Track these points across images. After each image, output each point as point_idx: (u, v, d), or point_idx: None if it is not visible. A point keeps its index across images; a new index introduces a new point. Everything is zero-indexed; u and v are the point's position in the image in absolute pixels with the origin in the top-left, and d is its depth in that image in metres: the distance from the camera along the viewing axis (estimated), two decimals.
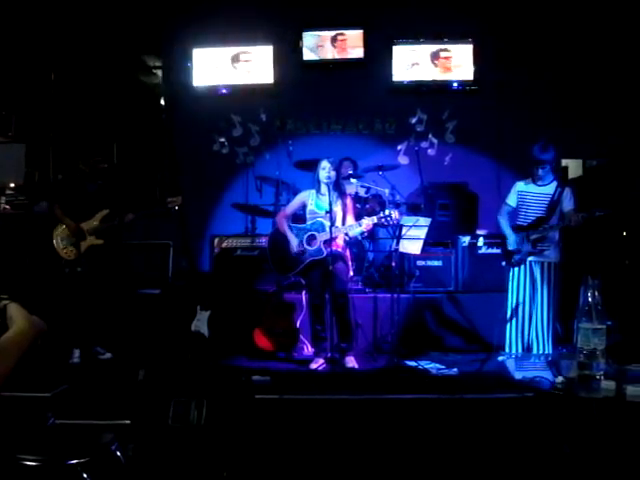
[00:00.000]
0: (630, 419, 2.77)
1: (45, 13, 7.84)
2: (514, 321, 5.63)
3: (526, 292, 5.60)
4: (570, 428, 3.07)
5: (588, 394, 2.75)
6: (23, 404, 4.33)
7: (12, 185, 7.84)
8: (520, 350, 5.57)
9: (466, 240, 6.72)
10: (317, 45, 8.05)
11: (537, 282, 5.57)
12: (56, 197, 5.96)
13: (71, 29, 7.96)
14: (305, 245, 5.61)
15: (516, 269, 5.64)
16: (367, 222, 5.44)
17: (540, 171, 5.50)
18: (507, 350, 5.63)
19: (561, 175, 5.83)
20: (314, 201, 5.69)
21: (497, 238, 6.60)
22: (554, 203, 5.48)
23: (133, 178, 8.42)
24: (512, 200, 5.74)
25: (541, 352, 5.47)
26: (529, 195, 5.63)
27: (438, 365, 5.59)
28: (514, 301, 5.64)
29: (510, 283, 5.67)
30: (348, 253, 5.82)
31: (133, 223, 5.94)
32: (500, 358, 5.54)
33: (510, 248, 5.65)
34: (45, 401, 4.49)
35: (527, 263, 5.59)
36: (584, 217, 5.17)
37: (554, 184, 5.56)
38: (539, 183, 5.58)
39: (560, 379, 2.88)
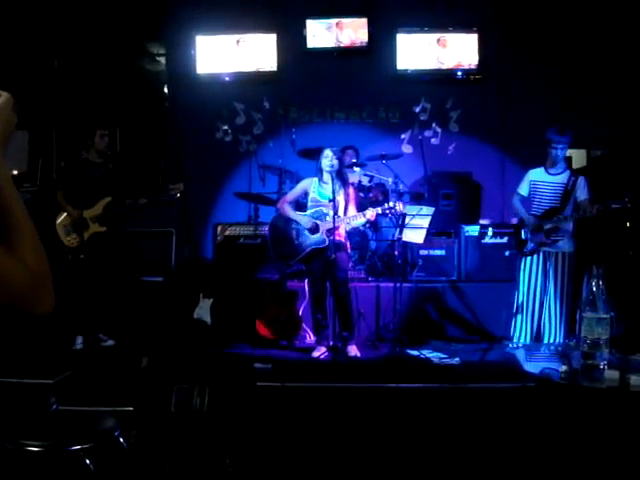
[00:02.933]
0: (634, 409, 2.77)
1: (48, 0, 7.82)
2: (523, 311, 5.60)
3: (538, 282, 5.56)
4: (573, 418, 3.07)
5: (591, 384, 2.75)
6: (26, 390, 4.35)
7: (15, 172, 7.83)
8: (528, 340, 5.55)
9: (475, 230, 6.69)
10: (322, 31, 8.00)
11: (550, 273, 5.51)
12: (60, 184, 5.96)
13: (74, 16, 7.93)
14: (308, 233, 5.60)
15: (528, 259, 5.59)
16: (371, 213, 5.45)
17: (558, 152, 5.43)
18: (515, 340, 5.62)
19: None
20: (317, 189, 5.68)
21: (504, 228, 6.60)
22: (568, 192, 5.43)
23: (136, 165, 8.41)
24: (524, 189, 5.70)
25: (552, 342, 5.44)
26: (542, 184, 5.58)
27: (440, 354, 5.60)
28: (524, 291, 5.61)
29: (521, 273, 5.63)
30: (348, 243, 5.82)
31: (140, 209, 5.94)
32: (503, 348, 5.54)
33: (523, 237, 5.59)
34: (48, 387, 4.50)
35: (540, 253, 5.55)
36: (599, 209, 5.10)
37: (567, 173, 5.52)
38: (552, 172, 5.54)
39: (563, 368, 2.88)
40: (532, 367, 3.50)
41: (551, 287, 5.50)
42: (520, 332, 5.60)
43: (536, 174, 5.66)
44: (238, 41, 8.06)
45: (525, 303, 5.60)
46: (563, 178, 5.50)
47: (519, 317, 5.62)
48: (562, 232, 5.46)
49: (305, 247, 5.60)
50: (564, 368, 2.89)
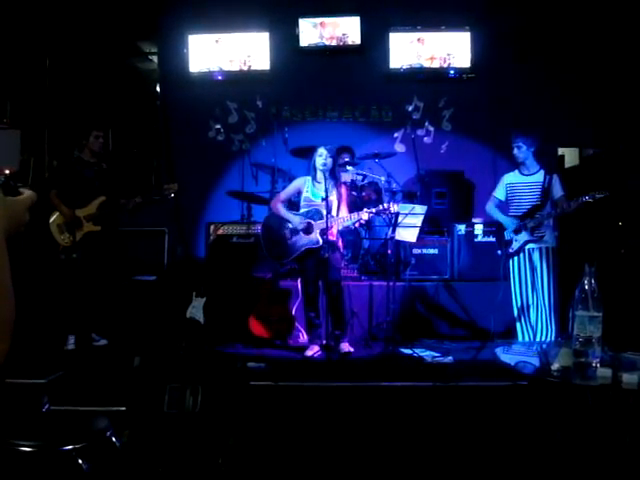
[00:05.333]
0: (626, 407, 2.78)
1: None
2: (523, 316, 5.66)
3: (527, 280, 5.67)
4: (565, 416, 3.08)
5: (584, 382, 2.75)
6: (18, 390, 4.33)
7: (7, 172, 7.79)
8: (531, 339, 5.61)
9: (462, 228, 6.71)
10: (315, 30, 7.99)
11: (537, 268, 5.64)
12: (53, 183, 5.94)
13: (66, 15, 7.91)
14: (302, 233, 5.60)
15: (516, 258, 5.69)
16: (364, 216, 5.48)
17: (516, 152, 5.68)
18: (519, 340, 5.67)
19: (545, 164, 5.88)
20: (310, 188, 5.67)
21: (494, 226, 6.62)
22: (546, 190, 5.59)
23: (129, 165, 8.39)
24: (500, 193, 5.86)
25: (545, 338, 5.51)
26: (519, 186, 5.75)
27: (433, 353, 5.60)
28: (518, 291, 5.69)
29: (512, 276, 5.74)
30: (341, 242, 5.82)
31: (135, 208, 5.92)
32: (495, 346, 5.55)
33: (507, 238, 5.69)
34: (40, 387, 4.49)
35: (526, 251, 5.64)
36: (582, 201, 5.22)
37: (541, 172, 5.70)
38: (526, 172, 5.74)
39: (556, 366, 2.89)
40: (525, 365, 3.51)
41: (538, 283, 5.60)
42: (523, 332, 5.66)
43: (511, 177, 5.85)
44: (231, 40, 8.06)
45: (523, 304, 5.66)
46: (539, 177, 5.69)
47: (520, 318, 5.68)
48: (544, 227, 5.62)
49: (299, 247, 5.59)
50: (556, 366, 2.89)
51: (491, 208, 5.90)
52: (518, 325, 5.71)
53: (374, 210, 5.44)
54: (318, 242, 5.49)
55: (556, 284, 5.58)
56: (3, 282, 1.37)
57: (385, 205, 5.42)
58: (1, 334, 1.35)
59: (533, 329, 5.63)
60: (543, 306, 5.58)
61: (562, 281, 5.57)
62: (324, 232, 5.42)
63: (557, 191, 5.59)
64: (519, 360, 3.75)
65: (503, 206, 5.87)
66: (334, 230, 5.61)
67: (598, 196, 5.15)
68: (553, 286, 5.58)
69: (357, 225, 6.26)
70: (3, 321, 1.35)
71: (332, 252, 5.51)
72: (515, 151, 5.68)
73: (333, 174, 5.66)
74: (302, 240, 5.59)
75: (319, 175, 5.59)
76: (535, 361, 3.55)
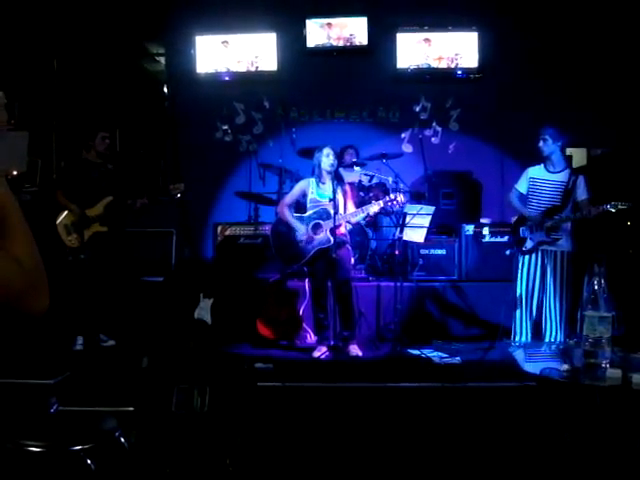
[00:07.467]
0: (636, 407, 2.76)
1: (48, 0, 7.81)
2: (522, 309, 5.59)
3: (536, 280, 5.54)
4: (574, 417, 3.06)
5: (593, 382, 2.74)
6: (26, 391, 4.35)
7: (15, 173, 7.80)
8: (528, 338, 5.55)
9: (470, 229, 6.69)
10: (322, 30, 7.99)
11: (548, 271, 5.50)
12: (60, 184, 5.95)
13: (74, 16, 7.93)
14: (311, 234, 5.58)
15: (527, 257, 5.58)
16: (373, 209, 5.46)
17: (540, 143, 5.47)
18: (515, 338, 5.61)
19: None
20: (315, 189, 5.66)
21: (502, 227, 6.59)
22: (568, 191, 5.41)
23: (136, 165, 8.40)
24: (522, 186, 5.68)
25: (553, 340, 5.44)
26: (542, 182, 5.56)
27: (441, 354, 5.58)
28: (522, 289, 5.59)
29: (519, 271, 5.61)
30: (349, 240, 5.80)
31: (142, 209, 5.93)
32: (504, 347, 5.53)
33: (522, 235, 5.58)
34: (48, 388, 4.50)
35: (539, 252, 5.54)
36: (604, 209, 5.06)
37: (567, 172, 5.51)
38: (551, 170, 5.53)
39: (565, 367, 2.87)
40: (533, 366, 3.49)
41: (550, 285, 5.50)
42: (520, 330, 5.59)
43: (535, 172, 5.64)
44: (238, 41, 8.06)
45: (524, 300, 5.59)
46: (563, 177, 5.48)
47: (518, 314, 5.61)
48: (562, 230, 5.46)
49: (310, 249, 5.58)
50: (565, 367, 2.88)
51: (512, 198, 5.71)
52: (515, 323, 5.62)
53: (382, 202, 5.43)
54: (329, 241, 5.47)
55: (569, 288, 5.47)
56: (22, 226, 1.31)
57: (392, 196, 5.41)
58: (41, 285, 1.29)
59: (531, 328, 5.56)
60: (553, 309, 5.49)
61: (573, 282, 5.50)
62: (334, 230, 5.41)
63: (581, 193, 5.39)
64: (528, 360, 3.73)
65: (523, 200, 5.70)
66: (342, 228, 5.60)
67: (621, 207, 5.00)
68: (566, 290, 5.45)
69: (367, 220, 6.24)
70: (35, 267, 1.28)
71: (340, 251, 5.49)
72: (540, 143, 5.46)
73: (337, 173, 5.64)
74: (313, 242, 5.57)
75: (324, 175, 5.58)
76: (544, 362, 3.53)
